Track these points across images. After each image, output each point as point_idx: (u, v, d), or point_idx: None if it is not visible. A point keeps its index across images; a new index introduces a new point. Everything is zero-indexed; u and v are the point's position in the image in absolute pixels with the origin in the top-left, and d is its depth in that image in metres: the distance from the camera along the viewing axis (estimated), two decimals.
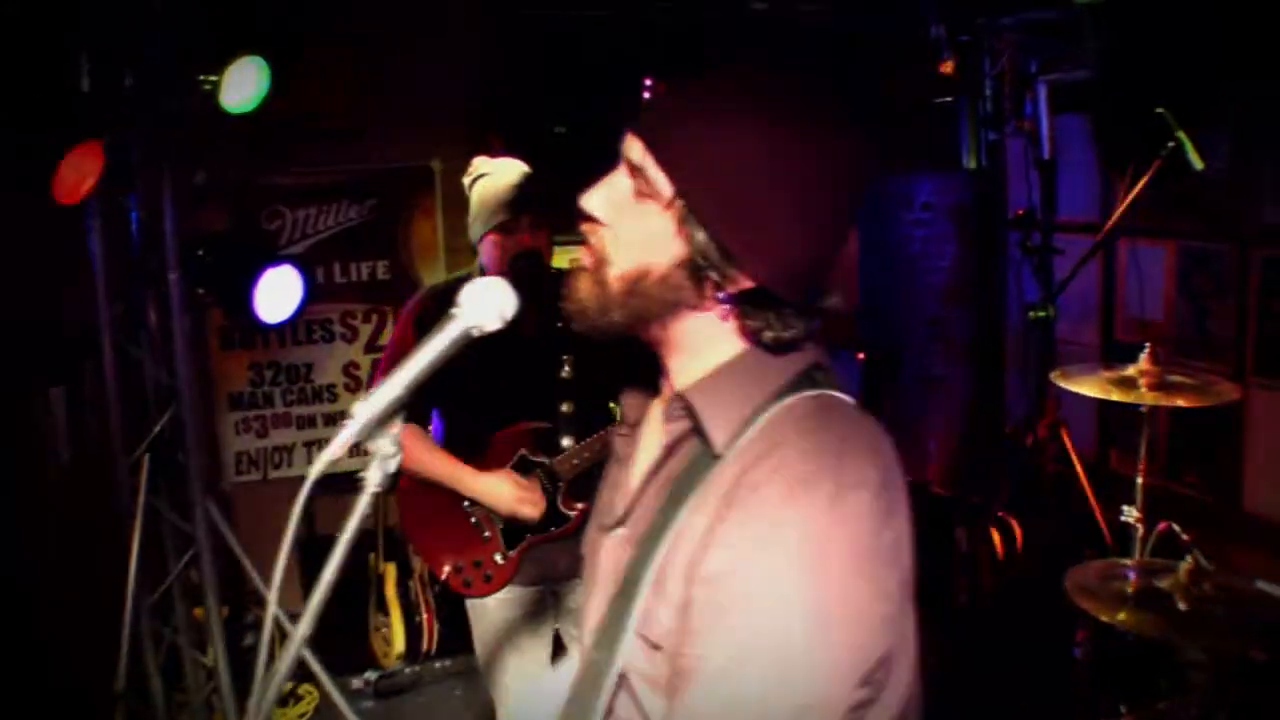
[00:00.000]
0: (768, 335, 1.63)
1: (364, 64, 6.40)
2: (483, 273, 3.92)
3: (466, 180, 4.04)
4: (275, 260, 4.48)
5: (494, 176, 3.94)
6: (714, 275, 1.59)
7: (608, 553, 1.81)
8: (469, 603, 4.03)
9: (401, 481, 4.00)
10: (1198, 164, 5.15)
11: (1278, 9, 5.06)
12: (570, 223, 1.82)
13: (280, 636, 2.24)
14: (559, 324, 3.85)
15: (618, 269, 1.63)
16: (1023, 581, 5.91)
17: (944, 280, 7.13)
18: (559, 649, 4.10)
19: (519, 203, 3.84)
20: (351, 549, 1.49)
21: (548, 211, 3.87)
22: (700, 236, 1.57)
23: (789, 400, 1.62)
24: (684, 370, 1.70)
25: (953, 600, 5.95)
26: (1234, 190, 5.58)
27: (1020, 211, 6.56)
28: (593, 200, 1.66)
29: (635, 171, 1.62)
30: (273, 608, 1.66)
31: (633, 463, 1.83)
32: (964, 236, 7.08)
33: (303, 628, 1.48)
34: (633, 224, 1.62)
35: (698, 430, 1.66)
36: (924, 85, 6.57)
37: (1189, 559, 3.68)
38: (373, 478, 1.51)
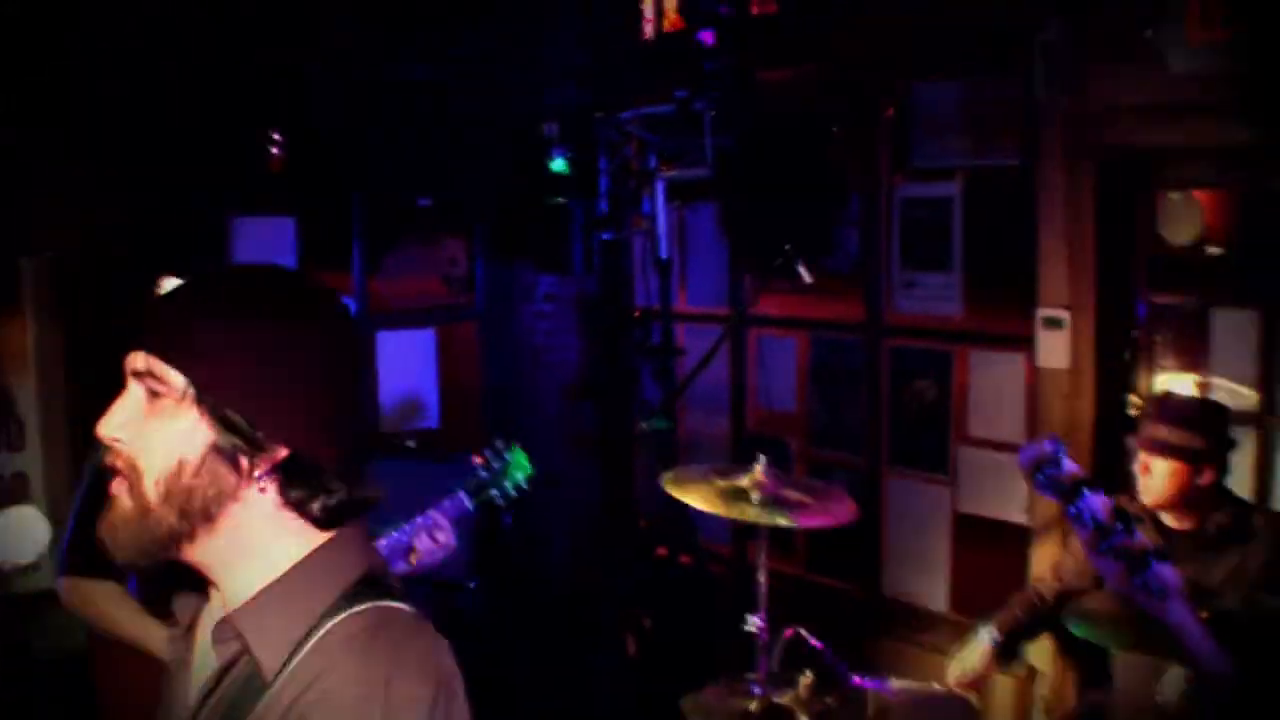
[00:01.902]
0: (314, 506, 1.61)
1: None
2: None
3: None
4: None
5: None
6: (246, 452, 1.57)
7: None
8: None
9: (95, 643, 3.51)
10: (806, 278, 5.15)
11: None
12: None
13: None
14: None
15: (151, 476, 1.56)
16: (653, 690, 5.61)
17: (569, 375, 6.83)
18: None
19: None
20: None
21: None
22: (223, 415, 1.56)
23: (339, 618, 1.57)
24: (233, 588, 1.63)
25: (587, 710, 5.61)
26: (864, 282, 5.54)
27: (637, 313, 6.34)
28: (109, 425, 1.59)
29: (142, 376, 1.58)
30: None
31: (189, 673, 1.73)
32: (588, 330, 6.78)
33: None
34: (155, 429, 1.57)
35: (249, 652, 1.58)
36: (537, 184, 6.25)
37: (807, 674, 3.71)
38: None
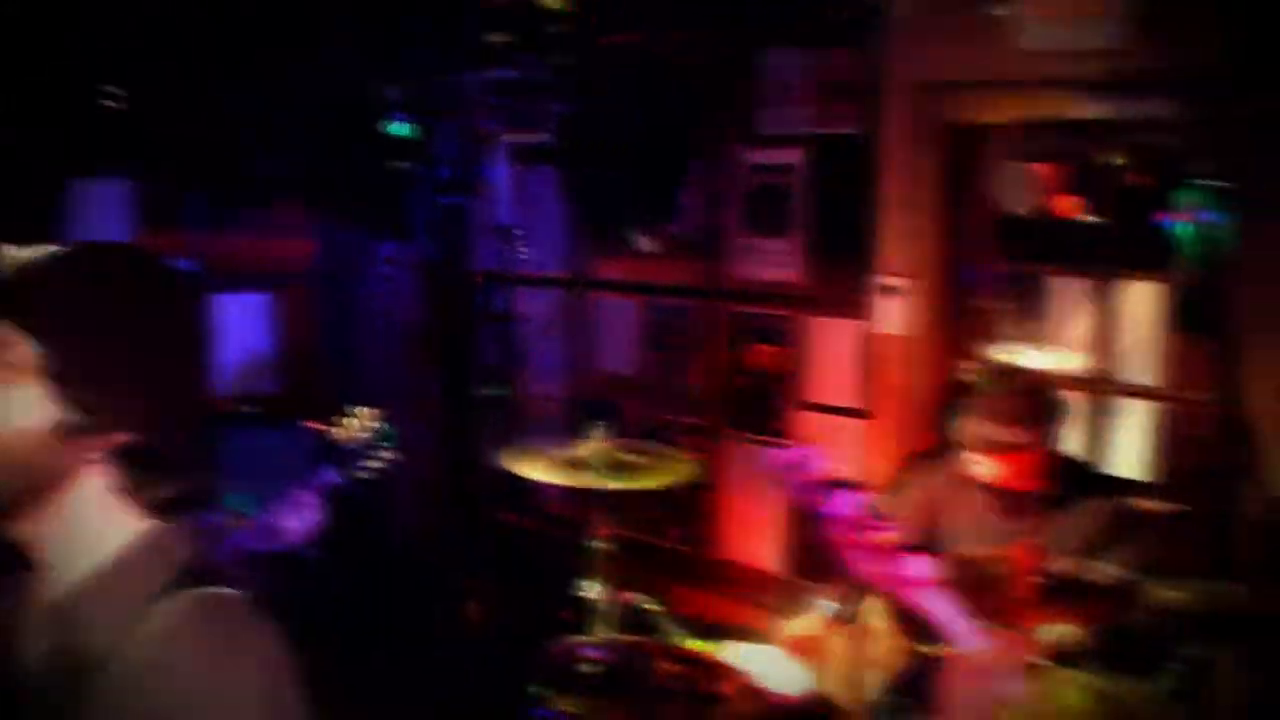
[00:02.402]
0: (149, 494, 1.56)
1: None
2: None
3: None
4: None
5: None
6: (86, 434, 1.51)
7: None
8: None
9: None
10: (645, 246, 5.27)
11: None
12: None
13: None
14: None
15: None
16: (496, 656, 5.55)
17: (410, 339, 6.73)
18: None
19: None
20: None
21: None
22: (66, 393, 1.50)
23: (168, 605, 1.51)
24: (61, 570, 1.56)
25: (430, 681, 5.48)
26: (705, 247, 5.49)
27: (478, 278, 6.27)
28: None
29: None
30: None
31: (13, 659, 1.62)
32: (429, 295, 6.66)
33: None
34: None
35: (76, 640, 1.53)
36: (377, 148, 6.09)
37: (645, 638, 3.82)
38: None
